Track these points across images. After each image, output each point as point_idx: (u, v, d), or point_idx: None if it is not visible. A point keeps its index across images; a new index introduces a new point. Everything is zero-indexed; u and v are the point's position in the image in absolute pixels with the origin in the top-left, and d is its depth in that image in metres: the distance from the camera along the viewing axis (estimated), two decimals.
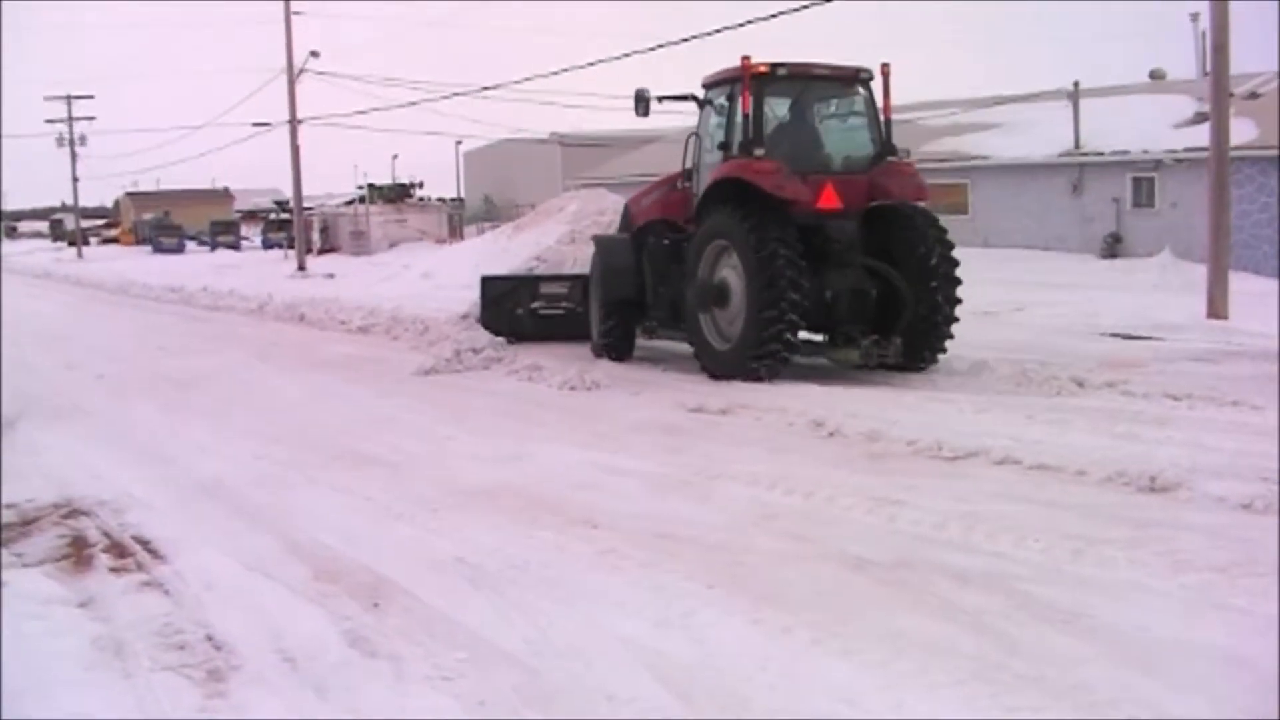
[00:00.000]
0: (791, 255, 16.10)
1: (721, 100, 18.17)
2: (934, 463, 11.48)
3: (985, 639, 6.96)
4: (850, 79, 17.88)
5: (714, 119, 18.38)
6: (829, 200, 16.89)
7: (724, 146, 17.71)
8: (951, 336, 17.26)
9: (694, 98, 18.75)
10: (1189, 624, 7.09)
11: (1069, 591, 7.67)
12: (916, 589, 7.86)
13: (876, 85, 18.04)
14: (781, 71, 17.34)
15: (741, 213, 16.50)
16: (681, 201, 18.96)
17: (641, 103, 18.41)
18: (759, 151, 16.89)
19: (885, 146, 17.72)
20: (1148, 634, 6.94)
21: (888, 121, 17.92)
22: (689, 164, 18.78)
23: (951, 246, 17.21)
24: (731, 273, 16.97)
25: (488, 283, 22.84)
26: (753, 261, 16.18)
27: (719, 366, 16.98)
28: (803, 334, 16.92)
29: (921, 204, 17.69)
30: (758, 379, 16.25)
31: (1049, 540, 8.73)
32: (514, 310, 22.40)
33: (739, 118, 17.21)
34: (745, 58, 17.20)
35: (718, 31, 28.53)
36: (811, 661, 6.74)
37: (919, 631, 7.11)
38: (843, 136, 18.29)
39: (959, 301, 17.25)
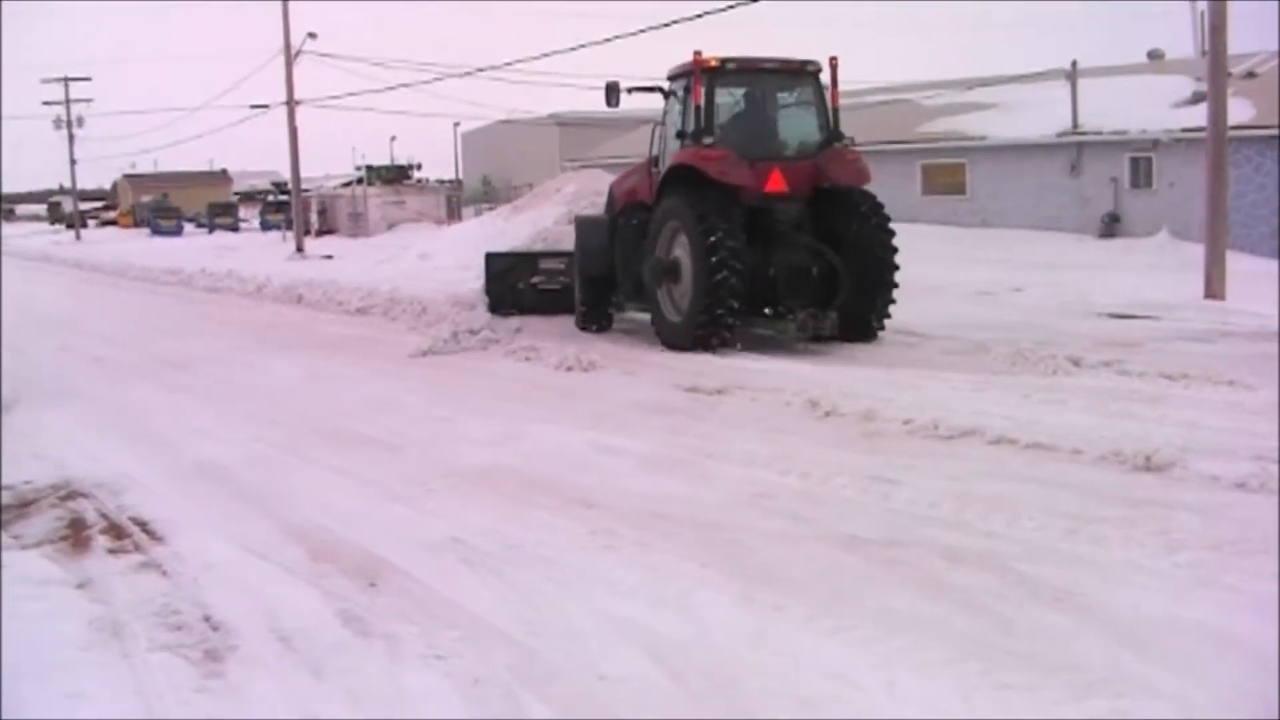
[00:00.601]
0: (732, 236, 17.40)
1: (681, 91, 19.41)
2: (929, 442, 11.50)
3: (978, 617, 6.99)
4: (797, 71, 19.29)
5: (675, 109, 19.64)
6: (776, 184, 18.30)
7: (680, 135, 18.95)
8: (889, 315, 18.57)
9: (659, 89, 20.10)
10: (1181, 602, 7.12)
11: (1062, 570, 7.70)
12: (910, 568, 7.90)
13: (836, 78, 19.42)
14: (731, 65, 18.77)
15: (691, 197, 17.87)
16: (650, 185, 19.94)
17: (613, 94, 19.78)
18: (709, 140, 18.23)
19: (832, 134, 19.08)
20: (1140, 612, 6.97)
21: (836, 111, 19.22)
22: (655, 151, 20.09)
23: (890, 228, 18.57)
24: (682, 251, 18.25)
25: (491, 259, 23.74)
26: (698, 242, 17.49)
27: (672, 336, 18.40)
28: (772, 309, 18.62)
29: (865, 187, 19.01)
30: (707, 349, 17.53)
31: (1043, 519, 8.77)
32: (515, 285, 23.21)
33: (693, 109, 18.57)
34: (697, 53, 18.57)
35: (708, 15, 28.36)
36: (804, 640, 6.78)
37: (912, 610, 7.15)
38: (791, 125, 19.59)
39: (895, 280, 18.51)
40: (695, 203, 17.73)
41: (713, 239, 17.27)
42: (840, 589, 7.55)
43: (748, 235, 17.77)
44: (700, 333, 17.64)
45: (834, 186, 18.68)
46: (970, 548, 8.22)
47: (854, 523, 8.92)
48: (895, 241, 18.60)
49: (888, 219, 18.63)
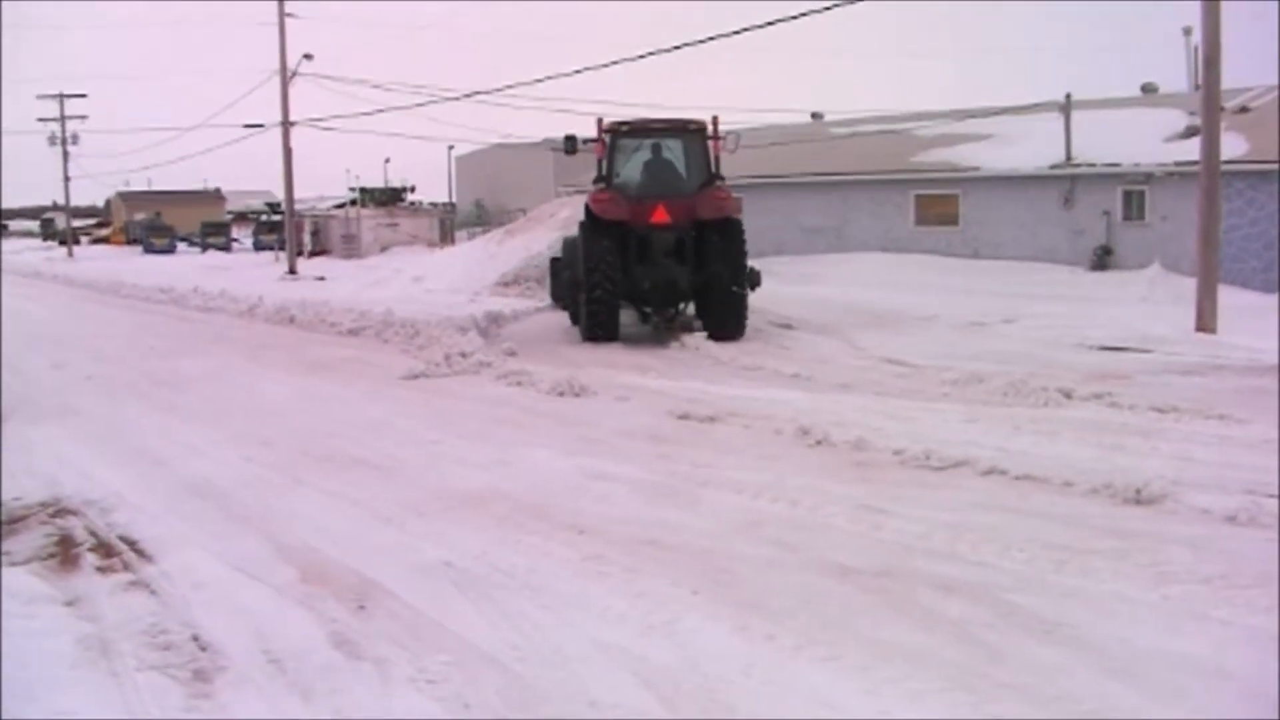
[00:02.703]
0: (605, 263, 22.59)
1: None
2: (920, 472, 11.50)
3: (968, 648, 7.00)
4: (683, 129, 24.60)
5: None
6: (660, 217, 23.25)
7: (595, 180, 24.41)
8: (744, 316, 22.83)
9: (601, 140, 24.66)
10: (1172, 635, 7.13)
11: (1053, 602, 7.71)
12: (900, 598, 7.90)
13: (716, 132, 24.31)
14: (625, 128, 24.63)
15: (586, 231, 23.43)
16: None
17: (570, 142, 24.73)
18: (603, 185, 23.89)
19: (710, 177, 23.90)
20: (1130, 645, 6.97)
21: (716, 158, 24.08)
22: None
23: (743, 251, 23.14)
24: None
25: (555, 262, 27.73)
26: (583, 262, 22.89)
27: (582, 332, 23.35)
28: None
29: (735, 217, 23.72)
30: (595, 340, 22.62)
31: (1033, 551, 8.78)
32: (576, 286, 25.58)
33: (601, 160, 24.27)
34: (599, 119, 24.55)
35: (710, 40, 28.59)
36: (795, 668, 6.78)
37: (902, 640, 7.15)
38: (675, 171, 24.49)
39: (745, 290, 22.85)
40: (587, 236, 23.20)
41: (590, 265, 22.58)
42: (831, 618, 7.55)
43: (640, 254, 23.25)
44: (588, 333, 22.93)
45: (707, 218, 23.24)
46: (961, 578, 8.23)
47: (845, 552, 8.92)
48: (749, 262, 23.38)
49: (743, 245, 23.23)
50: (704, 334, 22.45)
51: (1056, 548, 8.83)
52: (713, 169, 23.96)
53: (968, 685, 6.47)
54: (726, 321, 22.58)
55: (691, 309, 23.94)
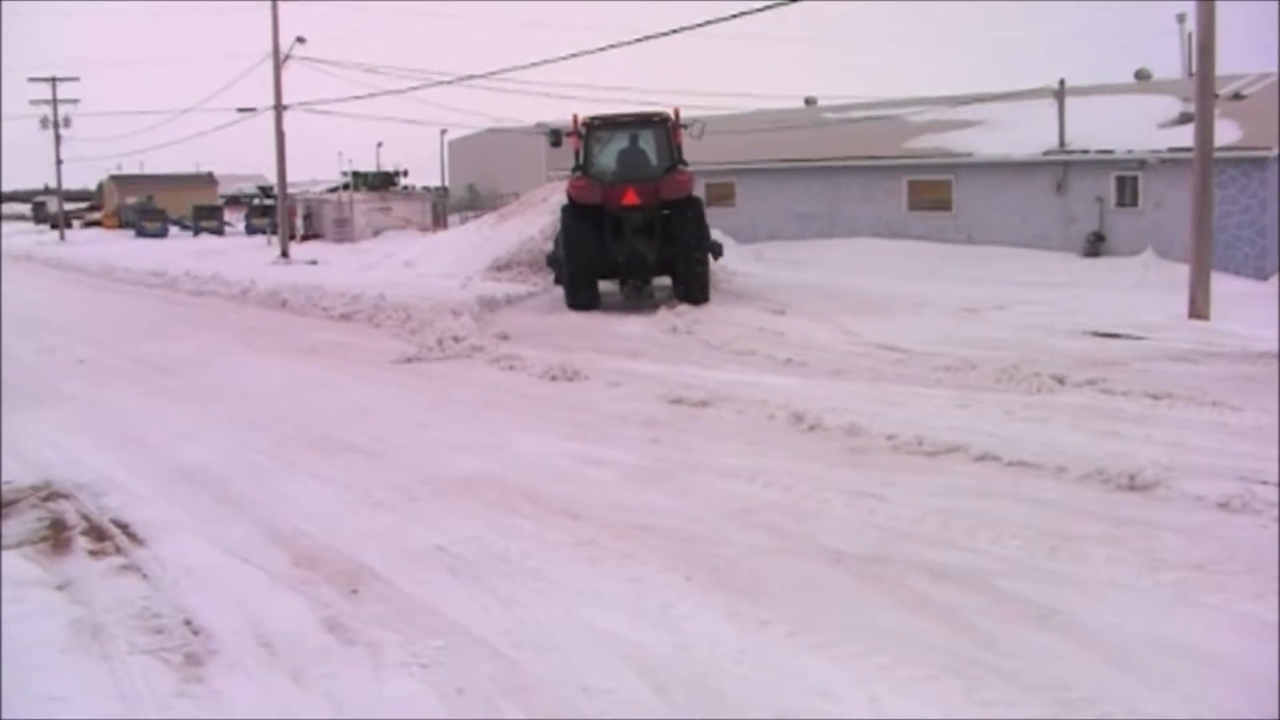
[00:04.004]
0: (583, 240, 25.63)
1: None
2: (913, 458, 11.50)
3: (961, 634, 7.00)
4: (647, 121, 27.55)
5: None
6: (630, 199, 25.88)
7: (574, 169, 27.52)
8: (708, 283, 26.04)
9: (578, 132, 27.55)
10: (1165, 621, 7.13)
11: (1045, 588, 7.71)
12: (893, 583, 7.90)
13: (679, 122, 27.13)
14: (598, 121, 27.42)
15: (566, 215, 26.69)
16: None
17: (554, 135, 28.11)
18: (579, 173, 26.98)
19: (674, 162, 26.75)
20: (1123, 631, 6.98)
21: (678, 146, 26.89)
22: None
23: (703, 226, 26.08)
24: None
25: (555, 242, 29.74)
26: (563, 240, 26.38)
27: (567, 302, 26.08)
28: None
29: (694, 196, 26.69)
30: (578, 308, 25.49)
31: (1026, 537, 8.78)
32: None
33: (577, 151, 27.32)
34: (575, 115, 27.50)
35: (706, 24, 28.61)
36: (788, 654, 6.77)
37: (895, 626, 7.15)
38: (644, 158, 27.26)
39: (705, 262, 25.95)
40: (567, 218, 26.46)
41: (571, 243, 25.80)
42: (824, 604, 7.55)
43: (614, 232, 25.94)
44: (571, 301, 25.89)
45: (670, 198, 26.04)
46: (954, 564, 8.23)
47: (837, 538, 8.92)
48: (710, 233, 26.59)
49: (702, 219, 26.14)
50: (688, 304, 25.01)
51: (1049, 534, 8.83)
52: (676, 155, 26.90)
53: (960, 671, 6.48)
54: (692, 288, 25.60)
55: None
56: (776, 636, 7.04)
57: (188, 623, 7.52)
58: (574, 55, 34.70)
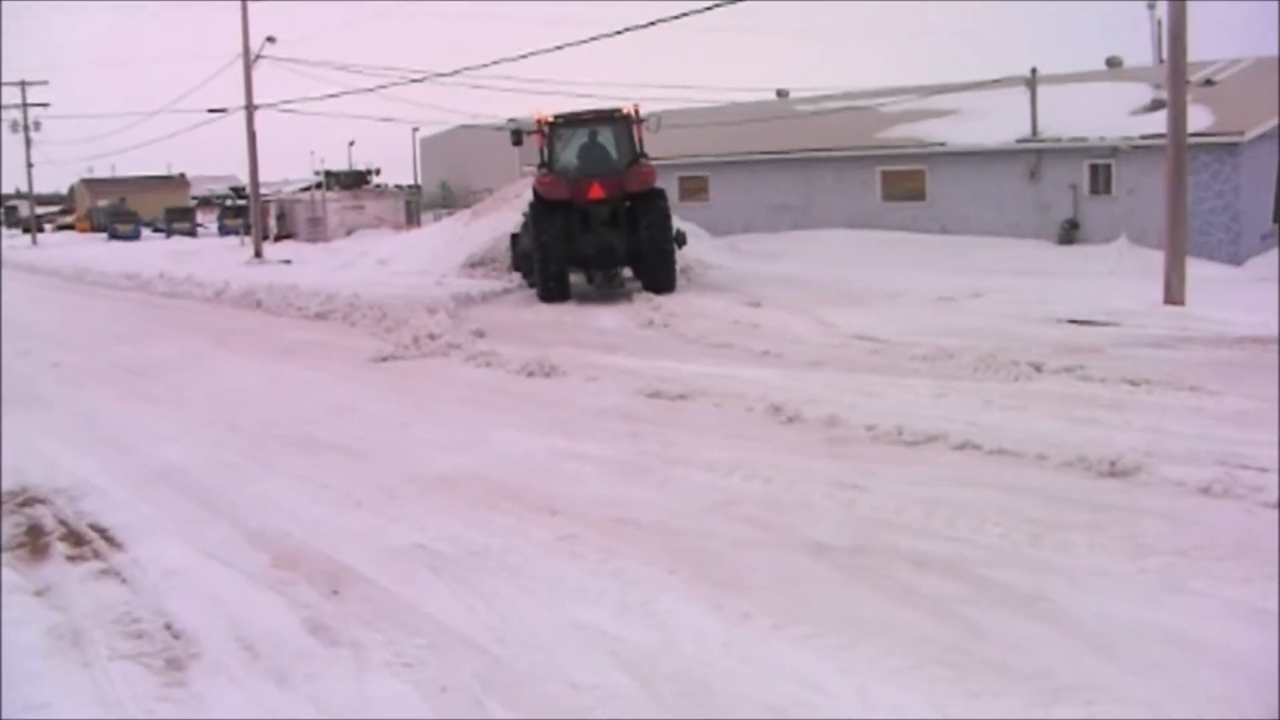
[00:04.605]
0: (550, 233, 26.28)
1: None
2: (893, 448, 11.48)
3: (946, 624, 6.99)
4: (608, 117, 28.34)
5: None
6: (595, 193, 26.75)
7: (539, 165, 28.46)
8: (673, 274, 26.75)
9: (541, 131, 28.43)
10: (1150, 608, 7.12)
11: (1029, 576, 7.70)
12: (876, 574, 7.88)
13: (639, 117, 28.15)
14: (561, 119, 28.26)
15: (534, 209, 27.34)
16: None
17: (516, 135, 28.53)
18: (544, 169, 27.91)
19: (636, 156, 27.73)
20: (1108, 618, 6.97)
21: (640, 140, 27.92)
22: None
23: (667, 215, 26.97)
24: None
25: (514, 237, 30.78)
26: (533, 233, 27.18)
27: (539, 294, 26.77)
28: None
29: (657, 187, 27.43)
30: (549, 300, 26.15)
31: (1009, 525, 8.77)
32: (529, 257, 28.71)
33: (541, 148, 28.24)
34: (537, 111, 28.30)
35: (678, 17, 28.61)
36: (773, 647, 6.76)
37: (880, 616, 7.14)
38: (606, 153, 28.14)
39: (671, 252, 26.79)
40: (535, 213, 27.14)
41: (540, 238, 26.53)
42: (807, 596, 7.54)
43: (581, 225, 26.73)
44: (542, 293, 26.62)
45: (634, 190, 26.89)
46: (937, 554, 8.22)
47: (820, 529, 8.90)
48: (674, 224, 27.43)
49: (666, 210, 27.02)
50: (655, 293, 25.94)
51: (1031, 521, 8.83)
52: (638, 149, 27.95)
53: (946, 661, 6.47)
54: (659, 276, 26.52)
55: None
56: (761, 629, 7.02)
57: (168, 626, 7.48)
58: (543, 51, 34.86)
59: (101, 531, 9.74)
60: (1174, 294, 22.03)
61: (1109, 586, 7.49)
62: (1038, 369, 15.13)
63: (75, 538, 9.65)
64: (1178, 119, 22.19)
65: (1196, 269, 23.82)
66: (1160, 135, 24.29)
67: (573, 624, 7.19)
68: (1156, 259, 23.71)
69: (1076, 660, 6.44)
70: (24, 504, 10.75)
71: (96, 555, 9.15)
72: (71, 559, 9.11)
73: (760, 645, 6.79)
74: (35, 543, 9.58)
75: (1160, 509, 9.10)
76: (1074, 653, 6.53)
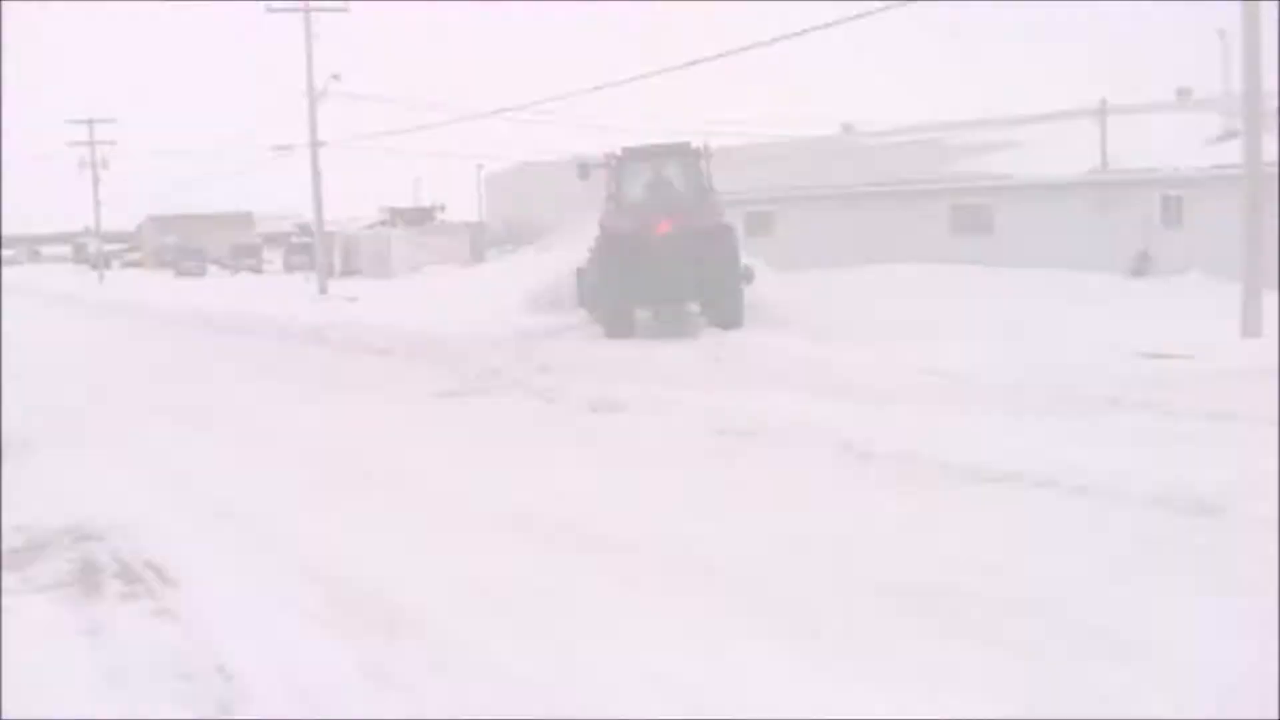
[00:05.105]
0: (620, 266, 25.68)
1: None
2: (969, 486, 11.16)
3: (1034, 666, 6.68)
4: (680, 152, 28.04)
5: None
6: (664, 228, 26.05)
7: (607, 200, 28.04)
8: (740, 309, 26.08)
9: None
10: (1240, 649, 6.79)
11: (1119, 615, 7.39)
12: (959, 617, 7.57)
13: (708, 153, 27.78)
14: (628, 154, 27.93)
15: (602, 245, 26.85)
16: None
17: (582, 169, 28.58)
18: (614, 205, 27.43)
19: (705, 192, 27.40)
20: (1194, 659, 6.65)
21: (709, 175, 27.48)
22: None
23: (735, 251, 26.57)
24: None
25: (581, 272, 29.72)
26: (600, 270, 26.77)
27: (604, 329, 26.48)
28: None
29: (725, 224, 27.27)
30: (615, 337, 25.68)
31: (1094, 563, 8.46)
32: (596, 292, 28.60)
33: (611, 183, 27.94)
34: (609, 151, 28.57)
35: (744, 49, 28.83)
36: (840, 685, 6.47)
37: (964, 660, 6.83)
38: (676, 188, 27.68)
39: (738, 287, 26.28)
40: (602, 248, 26.78)
41: (606, 274, 26.26)
42: (881, 635, 7.24)
43: (648, 261, 25.57)
44: (608, 329, 26.26)
45: (702, 226, 26.33)
46: (1021, 596, 7.91)
47: (894, 570, 8.61)
48: (742, 260, 26.90)
49: (734, 245, 26.69)
50: (721, 328, 25.52)
51: (1116, 559, 8.53)
52: (706, 183, 27.57)
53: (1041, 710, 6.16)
54: (726, 312, 26.08)
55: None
56: (838, 674, 6.73)
57: (220, 669, 7.25)
58: (603, 87, 35.21)
59: (156, 570, 9.54)
60: (1252, 326, 21.60)
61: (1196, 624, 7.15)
62: (1114, 403, 14.77)
63: (129, 576, 9.46)
64: (1254, 148, 21.81)
65: (1273, 301, 23.37)
66: (1233, 165, 23.93)
67: (643, 670, 6.91)
68: (1232, 291, 23.26)
69: (1171, 702, 6.11)
70: (78, 540, 10.58)
71: (150, 594, 8.97)
72: (124, 597, 8.92)
73: (833, 685, 6.49)
74: (88, 580, 9.40)
75: (1248, 547, 8.73)
76: (1163, 696, 6.20)
